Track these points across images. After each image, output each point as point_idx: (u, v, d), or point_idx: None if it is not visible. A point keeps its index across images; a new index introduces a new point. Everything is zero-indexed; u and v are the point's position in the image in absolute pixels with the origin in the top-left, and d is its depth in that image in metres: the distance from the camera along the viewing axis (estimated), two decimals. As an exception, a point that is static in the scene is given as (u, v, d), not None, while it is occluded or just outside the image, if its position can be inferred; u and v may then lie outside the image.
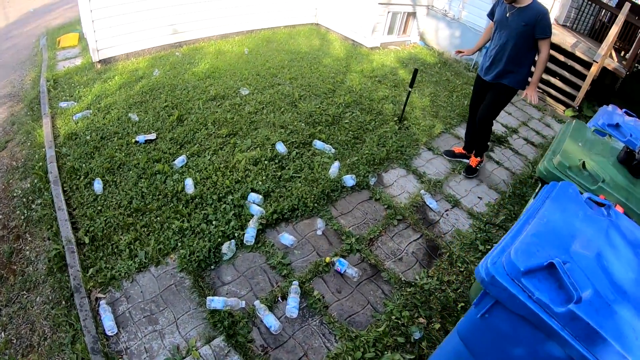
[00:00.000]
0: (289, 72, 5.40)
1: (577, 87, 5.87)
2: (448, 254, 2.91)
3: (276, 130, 3.94)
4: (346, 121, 4.30)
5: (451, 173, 3.81)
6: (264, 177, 3.28)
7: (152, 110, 4.19)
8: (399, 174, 3.66)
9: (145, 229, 2.82)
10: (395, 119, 4.50)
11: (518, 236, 1.33)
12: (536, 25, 2.99)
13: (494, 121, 3.59)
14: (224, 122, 4.04)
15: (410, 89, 4.19)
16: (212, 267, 2.61)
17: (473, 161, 3.81)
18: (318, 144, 3.81)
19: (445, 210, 3.33)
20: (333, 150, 3.76)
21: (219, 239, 2.73)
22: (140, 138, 3.68)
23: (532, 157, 4.41)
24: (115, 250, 2.67)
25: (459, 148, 4.06)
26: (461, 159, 4.01)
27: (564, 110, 5.86)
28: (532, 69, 3.30)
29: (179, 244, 2.71)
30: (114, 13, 5.09)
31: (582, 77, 5.81)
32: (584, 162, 1.78)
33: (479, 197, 3.56)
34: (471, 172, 3.81)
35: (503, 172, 4.03)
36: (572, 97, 5.91)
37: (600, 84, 6.03)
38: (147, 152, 3.53)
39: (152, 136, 3.73)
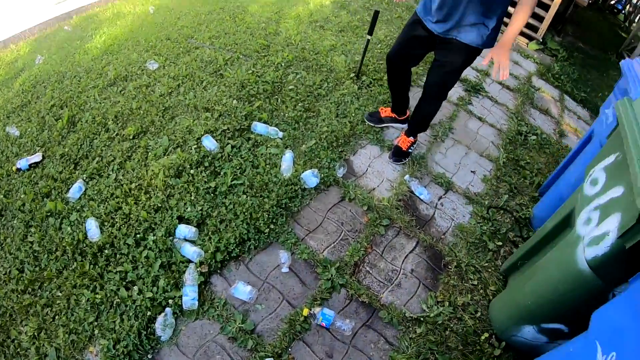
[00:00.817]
0: (208, 29, 4.13)
1: (539, 18, 5.24)
2: (455, 263, 2.23)
3: (200, 117, 2.85)
4: (290, 87, 3.29)
5: (434, 142, 3.05)
6: (193, 195, 2.28)
7: (35, 115, 2.95)
8: (372, 154, 2.83)
9: (49, 310, 1.84)
10: (352, 75, 3.56)
11: None
12: None
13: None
14: (129, 115, 2.87)
15: (369, 37, 3.23)
16: (150, 355, 1.71)
17: (404, 142, 2.76)
18: (259, 127, 2.81)
19: (439, 199, 2.60)
20: (281, 134, 2.80)
21: (149, 312, 1.80)
22: (23, 163, 2.53)
23: (512, 106, 3.78)
24: (19, 350, 1.73)
25: (386, 110, 3.02)
26: (391, 124, 3.06)
27: (527, 44, 5.25)
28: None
29: (96, 330, 1.75)
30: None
31: (544, 6, 5.18)
32: None
33: (472, 172, 2.87)
34: (401, 156, 2.78)
35: (489, 130, 3.35)
36: (534, 29, 5.29)
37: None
38: (32, 184, 2.41)
39: (37, 157, 2.57)
